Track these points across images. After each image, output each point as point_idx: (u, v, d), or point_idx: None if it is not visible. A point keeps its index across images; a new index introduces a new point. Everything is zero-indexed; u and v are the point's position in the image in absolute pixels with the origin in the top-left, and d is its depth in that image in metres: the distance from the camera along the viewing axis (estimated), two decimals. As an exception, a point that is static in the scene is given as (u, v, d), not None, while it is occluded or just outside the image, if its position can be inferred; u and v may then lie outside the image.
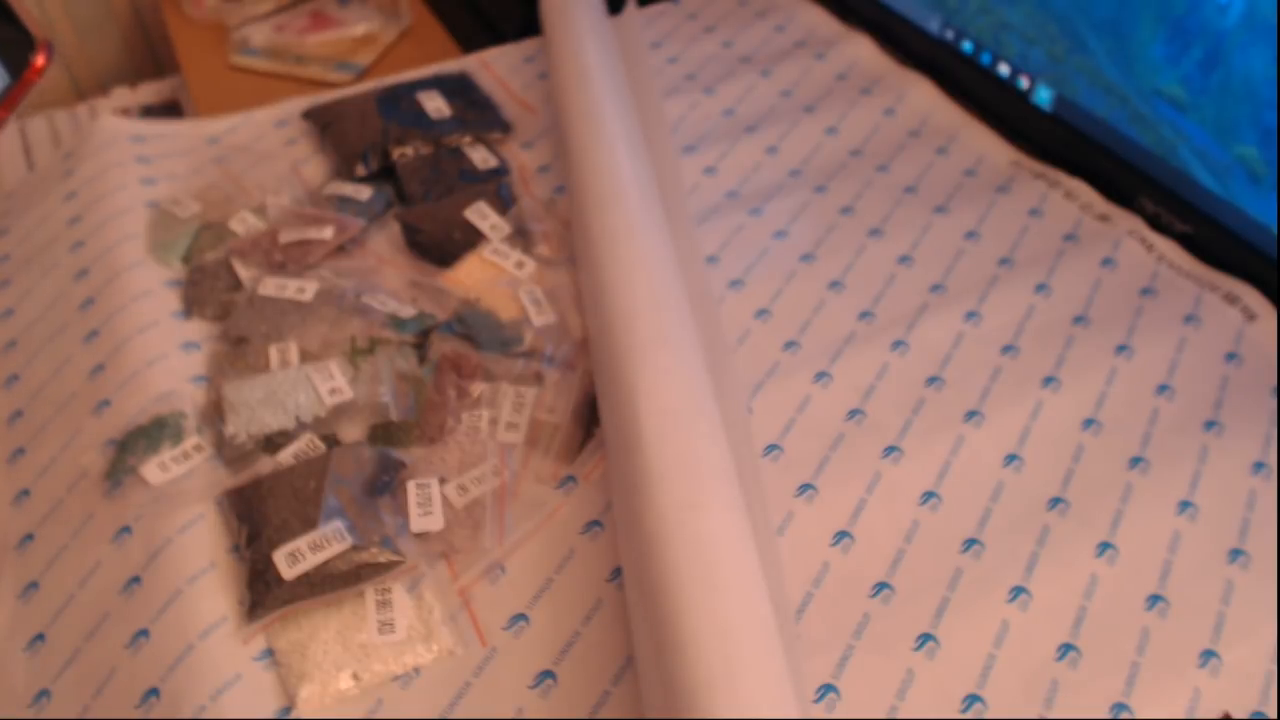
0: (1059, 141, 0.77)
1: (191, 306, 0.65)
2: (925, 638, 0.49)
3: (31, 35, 0.29)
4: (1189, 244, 0.69)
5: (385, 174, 0.75)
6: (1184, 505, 0.54)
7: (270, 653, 0.49)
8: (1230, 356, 0.62)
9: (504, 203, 0.72)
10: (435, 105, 0.79)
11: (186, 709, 0.46)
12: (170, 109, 1.17)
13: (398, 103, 0.79)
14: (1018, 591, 0.50)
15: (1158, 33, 0.67)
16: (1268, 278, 0.65)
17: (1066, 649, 0.48)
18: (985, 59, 0.83)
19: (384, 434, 0.57)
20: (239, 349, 0.62)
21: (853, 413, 0.59)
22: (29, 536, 0.56)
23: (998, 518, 0.54)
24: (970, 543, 0.52)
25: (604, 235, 0.62)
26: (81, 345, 0.64)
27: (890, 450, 0.57)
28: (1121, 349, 0.62)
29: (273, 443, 0.56)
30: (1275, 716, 0.46)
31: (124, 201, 0.73)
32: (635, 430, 0.50)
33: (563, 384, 0.59)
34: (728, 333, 0.64)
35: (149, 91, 1.20)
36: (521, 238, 0.70)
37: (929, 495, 0.55)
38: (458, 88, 0.82)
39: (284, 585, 0.49)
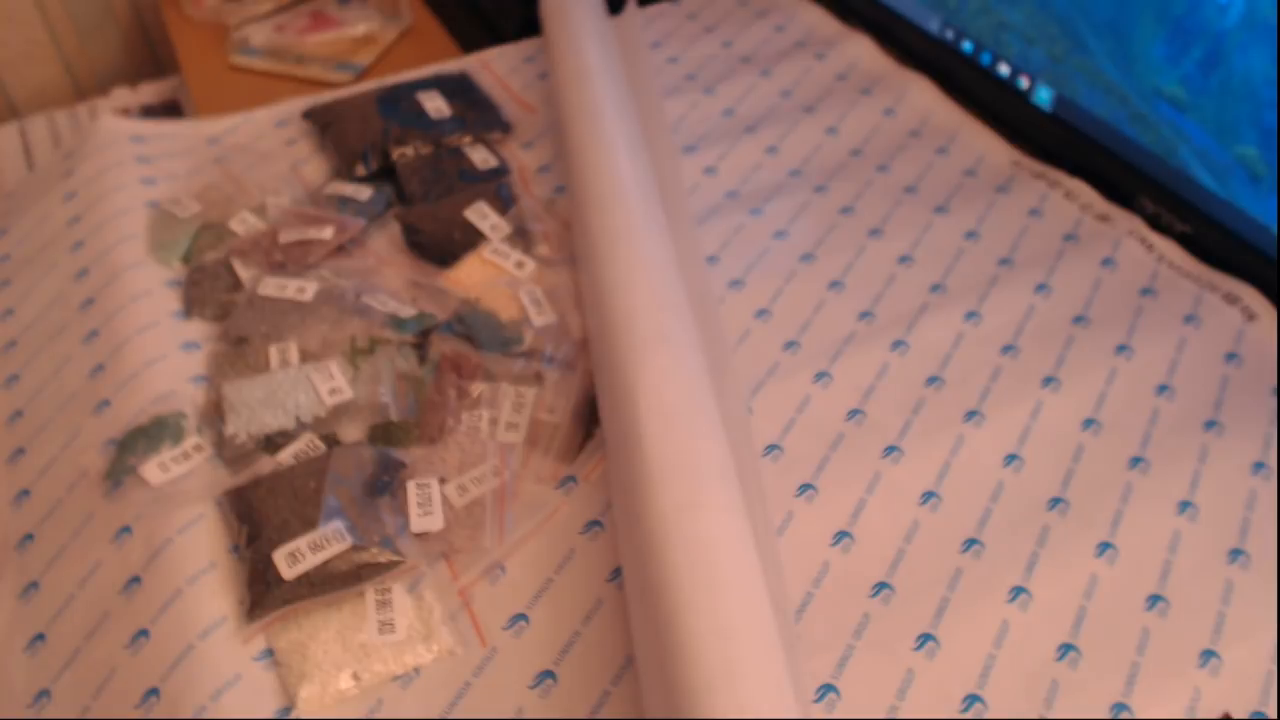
0: (1059, 141, 0.77)
1: (191, 306, 0.65)
2: (925, 638, 0.49)
3: None
4: (1189, 244, 0.69)
5: (385, 174, 0.75)
6: (1184, 505, 0.54)
7: (270, 653, 0.49)
8: (1230, 356, 0.62)
9: (504, 203, 0.72)
10: (435, 105, 0.79)
11: (186, 709, 0.46)
12: (170, 109, 1.17)
13: (398, 103, 0.79)
14: (1018, 591, 0.50)
15: (1158, 33, 0.67)
16: (1268, 278, 0.65)
17: (1066, 649, 0.48)
18: (985, 59, 0.83)
19: (384, 434, 0.57)
20: (239, 349, 0.62)
21: (853, 413, 0.59)
22: (29, 536, 0.56)
23: (998, 518, 0.54)
24: (970, 543, 0.52)
25: (604, 235, 0.62)
26: (81, 345, 0.64)
27: (890, 450, 0.57)
28: (1121, 349, 0.62)
29: (273, 443, 0.56)
30: (1275, 717, 0.46)
31: (124, 201, 0.73)
32: (635, 430, 0.50)
33: (563, 384, 0.59)
34: (728, 333, 0.64)
35: (149, 91, 1.19)
36: (521, 238, 0.70)
37: (929, 495, 0.55)
38: (458, 88, 0.82)
39: (284, 585, 0.49)
